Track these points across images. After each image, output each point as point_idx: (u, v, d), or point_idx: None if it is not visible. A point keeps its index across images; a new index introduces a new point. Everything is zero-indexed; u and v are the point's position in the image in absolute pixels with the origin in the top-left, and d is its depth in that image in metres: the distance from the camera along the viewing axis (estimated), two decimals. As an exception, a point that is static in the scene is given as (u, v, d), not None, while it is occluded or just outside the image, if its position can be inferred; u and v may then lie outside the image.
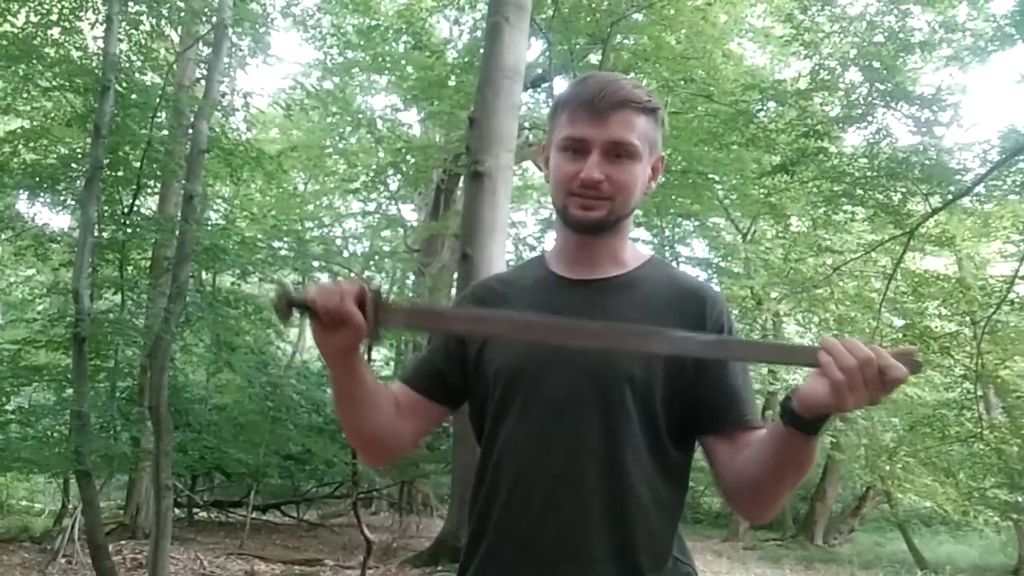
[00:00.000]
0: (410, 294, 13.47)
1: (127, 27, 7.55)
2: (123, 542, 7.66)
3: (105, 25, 6.08)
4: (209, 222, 8.51)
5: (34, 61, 7.25)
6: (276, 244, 8.42)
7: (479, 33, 10.85)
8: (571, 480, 1.16)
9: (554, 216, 1.34)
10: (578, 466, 1.16)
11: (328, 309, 1.05)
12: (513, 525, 1.19)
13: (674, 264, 15.07)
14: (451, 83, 11.03)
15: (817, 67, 8.42)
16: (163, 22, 7.94)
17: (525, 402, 1.19)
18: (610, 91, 1.19)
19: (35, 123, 8.43)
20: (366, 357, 1.09)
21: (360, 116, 13.18)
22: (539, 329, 1.12)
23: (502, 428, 1.22)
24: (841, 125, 8.18)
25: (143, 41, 8.02)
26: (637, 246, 1.37)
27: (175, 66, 8.33)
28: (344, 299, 1.05)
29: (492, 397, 1.24)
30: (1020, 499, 9.57)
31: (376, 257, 13.59)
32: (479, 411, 1.28)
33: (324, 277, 9.74)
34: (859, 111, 7.92)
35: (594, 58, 10.16)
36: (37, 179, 7.55)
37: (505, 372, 1.22)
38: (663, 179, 12.34)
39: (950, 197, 7.57)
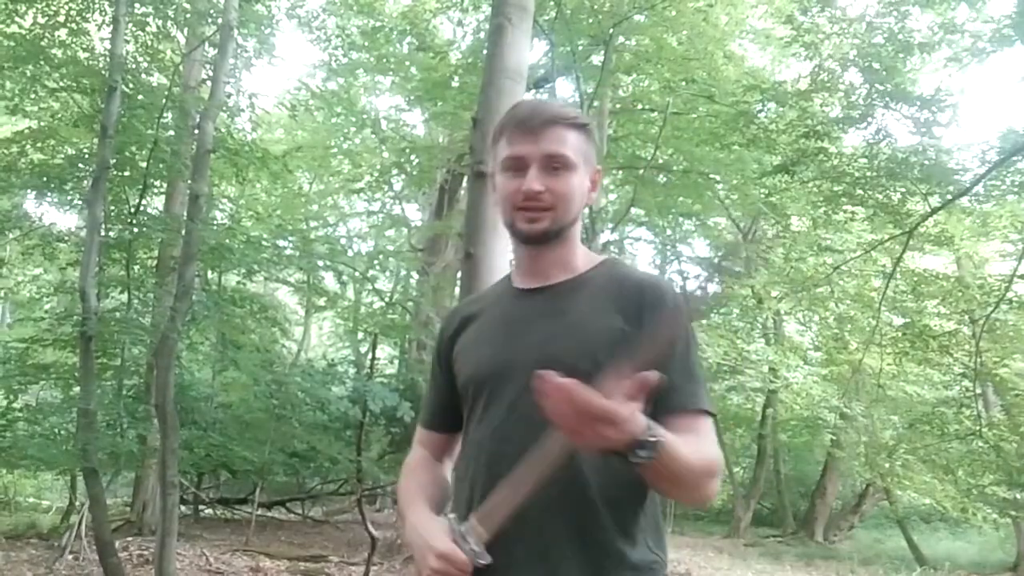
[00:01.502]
0: (413, 293, 13.54)
1: (133, 28, 7.58)
2: (130, 539, 7.70)
3: (112, 26, 6.08)
4: (215, 222, 8.53)
5: (41, 62, 7.25)
6: (281, 243, 8.41)
7: (482, 34, 10.90)
8: None
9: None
10: None
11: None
12: None
13: (675, 263, 15.17)
14: (454, 84, 11.06)
15: (817, 68, 8.46)
16: (169, 23, 7.95)
17: (486, 405, 1.32)
18: (541, 111, 1.33)
19: (42, 123, 8.44)
20: None
21: (364, 117, 13.26)
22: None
23: (471, 430, 1.35)
24: (841, 126, 8.22)
25: (149, 42, 8.04)
26: (610, 251, 1.44)
27: (181, 67, 8.36)
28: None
29: (466, 403, 1.38)
30: (1018, 496, 9.63)
31: (380, 256, 13.65)
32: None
33: (328, 276, 9.76)
34: (859, 112, 7.96)
35: (596, 59, 10.21)
36: (44, 179, 7.56)
37: (470, 381, 1.36)
38: (665, 179, 12.45)
39: (949, 197, 7.62)
